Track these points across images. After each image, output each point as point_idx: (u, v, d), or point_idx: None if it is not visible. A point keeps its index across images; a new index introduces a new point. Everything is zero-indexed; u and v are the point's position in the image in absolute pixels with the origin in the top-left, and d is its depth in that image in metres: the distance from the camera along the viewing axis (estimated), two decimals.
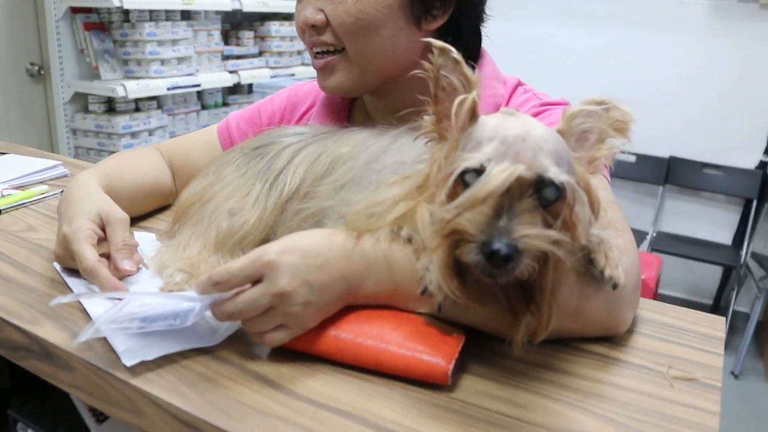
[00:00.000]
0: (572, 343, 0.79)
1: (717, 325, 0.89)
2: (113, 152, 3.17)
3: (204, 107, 3.75)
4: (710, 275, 3.51)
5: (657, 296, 3.26)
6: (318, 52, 1.07)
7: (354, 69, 1.05)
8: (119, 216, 0.92)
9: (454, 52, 0.71)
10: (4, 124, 3.23)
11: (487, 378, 0.72)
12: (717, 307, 3.49)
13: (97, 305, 0.81)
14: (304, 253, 0.71)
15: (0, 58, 3.17)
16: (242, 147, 1.02)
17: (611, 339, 0.81)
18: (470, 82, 0.71)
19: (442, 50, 0.72)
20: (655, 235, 3.42)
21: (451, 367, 0.68)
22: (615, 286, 0.74)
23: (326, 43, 1.05)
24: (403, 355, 0.69)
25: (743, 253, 3.22)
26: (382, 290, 0.75)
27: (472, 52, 1.13)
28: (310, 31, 1.05)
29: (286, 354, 0.73)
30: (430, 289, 0.69)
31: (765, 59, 3.19)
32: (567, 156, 0.68)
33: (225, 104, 3.89)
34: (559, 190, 0.65)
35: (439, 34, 1.06)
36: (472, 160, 0.66)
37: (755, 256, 3.09)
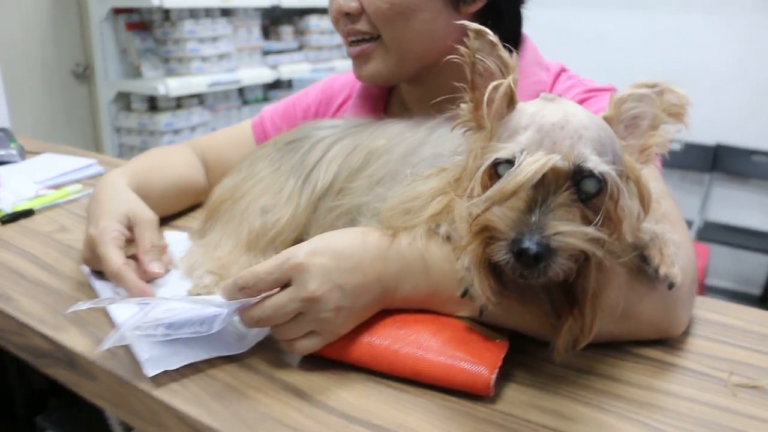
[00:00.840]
0: (623, 347, 0.74)
1: None
2: None
3: (245, 103, 3.76)
4: (759, 265, 3.37)
5: (704, 287, 3.14)
6: (353, 41, 1.03)
7: (391, 56, 1.01)
8: (147, 216, 0.89)
9: (491, 35, 0.66)
10: (51, 125, 3.28)
11: (532, 386, 0.67)
12: (766, 297, 3.36)
13: (122, 310, 0.78)
14: (335, 255, 0.67)
15: (46, 60, 3.23)
16: (275, 141, 0.99)
17: (665, 342, 0.75)
18: (507, 66, 0.66)
19: (478, 33, 0.67)
20: (701, 224, 3.30)
21: (494, 377, 0.63)
22: (671, 286, 0.68)
23: (361, 32, 1.01)
24: (442, 364, 0.65)
25: None
26: (420, 293, 0.71)
27: (513, 37, 1.07)
28: (345, 19, 1.01)
29: (317, 362, 0.69)
30: (471, 292, 0.65)
31: None
32: (612, 144, 0.62)
33: (266, 99, 3.89)
34: (601, 182, 0.59)
35: (478, 17, 1.01)
36: (504, 151, 0.61)
37: None
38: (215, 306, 0.68)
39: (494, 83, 0.65)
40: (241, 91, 3.72)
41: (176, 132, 3.29)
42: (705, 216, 3.37)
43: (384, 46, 1.00)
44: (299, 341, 0.68)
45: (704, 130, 3.22)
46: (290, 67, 3.77)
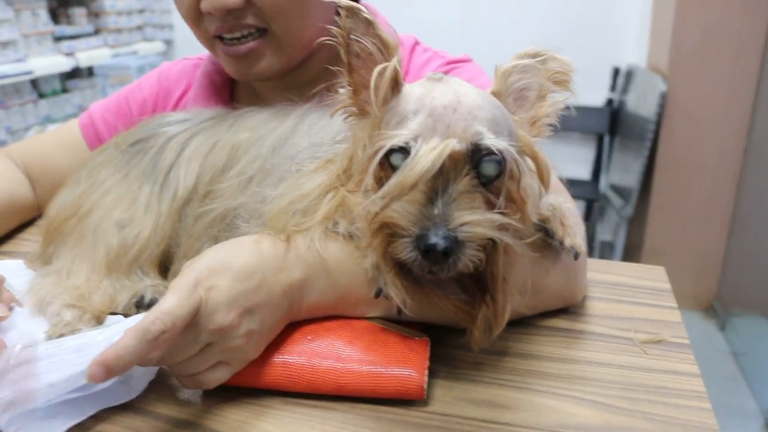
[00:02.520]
0: (532, 321, 0.73)
1: (659, 276, 0.87)
2: None
3: (41, 96, 3.36)
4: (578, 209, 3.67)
5: None
6: (236, 38, 0.90)
7: (283, 49, 0.91)
8: None
9: (365, 12, 0.61)
10: None
11: (459, 380, 0.64)
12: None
13: None
14: (236, 275, 0.59)
15: None
16: (117, 143, 0.86)
17: (568, 310, 0.76)
18: (388, 46, 0.61)
19: (350, 10, 0.61)
20: None
21: (426, 378, 0.59)
22: (576, 256, 0.68)
23: (249, 26, 0.88)
24: (367, 373, 0.59)
25: (601, 185, 3.38)
26: (328, 299, 0.65)
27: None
28: (225, 16, 0.87)
29: (224, 393, 0.61)
30: (386, 291, 0.60)
31: (595, 2, 3.32)
32: (506, 121, 0.60)
33: (65, 90, 3.51)
34: (500, 162, 0.57)
35: None
36: (396, 138, 0.56)
37: (613, 187, 3.24)
38: (99, 348, 0.57)
39: (379, 67, 0.59)
40: (35, 83, 3.33)
41: None
42: None
43: (275, 40, 0.90)
44: (204, 375, 0.59)
45: None
46: (88, 54, 3.42)
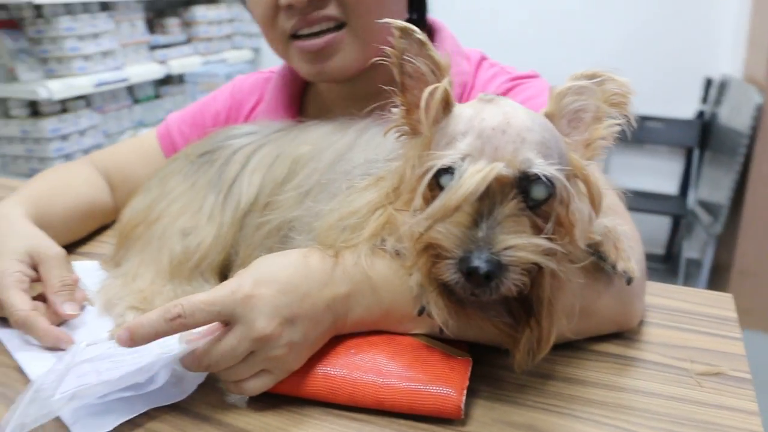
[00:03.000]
0: (582, 345, 0.72)
1: (726, 304, 0.83)
2: (43, 158, 3.00)
3: (136, 101, 3.55)
4: (660, 226, 3.53)
5: None
6: (315, 32, 0.91)
7: (359, 46, 0.91)
8: (53, 252, 0.79)
9: (418, 33, 0.61)
10: None
11: (499, 401, 0.63)
12: (669, 256, 3.52)
13: (36, 362, 0.69)
14: (281, 286, 0.61)
15: None
16: (187, 154, 0.90)
17: (622, 335, 0.74)
18: (440, 66, 0.62)
19: (404, 31, 0.62)
20: None
21: (463, 398, 0.59)
22: (629, 281, 0.66)
23: (330, 18, 0.89)
24: (406, 390, 0.60)
25: (690, 201, 3.25)
26: (373, 315, 0.65)
27: (424, 25, 1.03)
28: (306, 8, 0.88)
29: (268, 400, 0.63)
30: (428, 309, 0.60)
31: (695, 8, 3.18)
32: (557, 144, 0.59)
33: (158, 96, 3.69)
34: (549, 186, 0.56)
35: (415, 1, 0.98)
36: (444, 159, 0.56)
37: (702, 204, 3.11)
38: (152, 353, 0.61)
39: (430, 88, 0.60)
40: (130, 89, 3.51)
41: (64, 138, 3.06)
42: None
43: (352, 34, 0.91)
44: (248, 381, 0.61)
45: None
46: (180, 61, 3.58)
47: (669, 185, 3.44)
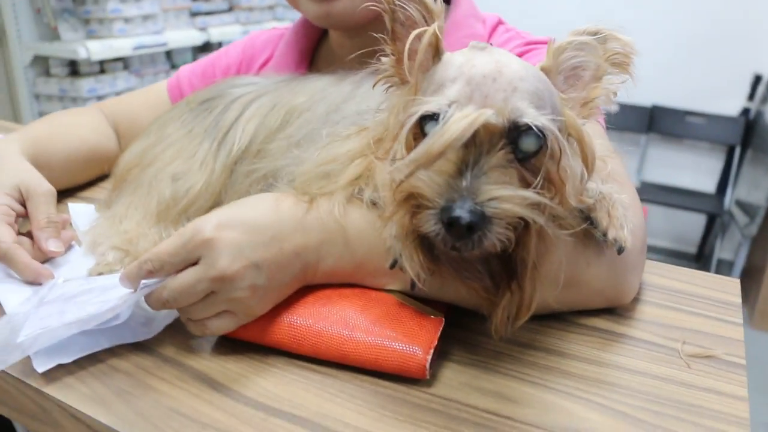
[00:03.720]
0: (569, 317, 0.68)
1: (732, 289, 0.78)
2: None
3: (173, 67, 3.56)
4: (694, 223, 3.43)
5: None
6: None
7: None
8: (42, 188, 0.79)
9: None
10: None
11: (472, 366, 0.60)
12: (701, 255, 3.43)
13: (13, 295, 0.69)
14: (247, 228, 0.59)
15: None
16: (188, 101, 0.89)
17: (614, 310, 0.70)
18: (431, 12, 0.58)
19: None
20: (638, 184, 3.31)
21: (430, 357, 0.56)
22: (621, 250, 0.62)
23: None
24: (371, 345, 0.57)
25: (727, 200, 3.15)
26: (345, 266, 0.63)
27: None
28: None
29: (231, 346, 0.62)
30: (400, 263, 0.58)
31: (744, 3, 3.06)
32: (551, 97, 0.55)
33: None
34: (540, 138, 0.52)
35: None
36: (429, 104, 0.53)
37: (739, 203, 3.01)
38: (119, 293, 0.59)
39: (417, 31, 0.57)
40: (168, 54, 3.53)
41: (100, 98, 3.09)
42: (642, 177, 3.40)
43: None
44: (210, 321, 0.60)
45: (641, 91, 3.19)
46: (220, 29, 3.59)
47: (706, 183, 3.34)
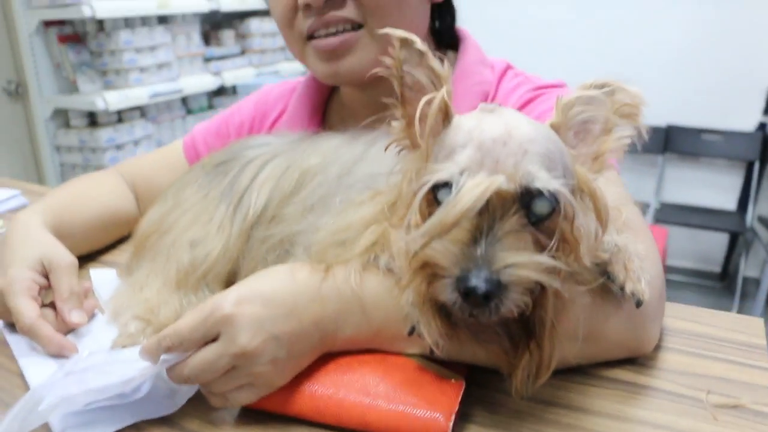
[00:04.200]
0: (590, 370, 0.68)
1: (755, 329, 0.77)
2: (99, 167, 3.09)
3: (189, 112, 3.63)
4: (717, 242, 3.40)
5: (665, 268, 3.14)
6: (331, 32, 0.90)
7: (375, 47, 0.90)
8: (64, 261, 0.80)
9: (418, 43, 0.59)
10: None
11: (494, 427, 0.60)
12: (726, 274, 3.38)
13: (37, 368, 0.70)
14: (265, 301, 0.60)
15: None
16: (204, 164, 0.90)
17: (636, 360, 0.70)
18: (440, 77, 0.59)
19: (404, 42, 0.59)
20: (658, 206, 3.29)
21: (451, 423, 0.56)
22: (639, 304, 0.62)
23: (347, 19, 0.89)
24: (393, 412, 0.58)
25: (748, 217, 3.11)
26: (363, 333, 0.64)
27: (451, 34, 1.02)
28: (323, 8, 0.88)
29: (254, 417, 0.62)
30: (419, 329, 0.58)
31: (757, 19, 3.06)
32: (561, 157, 0.56)
33: (211, 107, 3.76)
34: (552, 201, 0.53)
35: (438, 10, 0.97)
36: (441, 173, 0.54)
37: (761, 220, 2.97)
38: (140, 365, 0.60)
39: (427, 97, 0.57)
40: (184, 100, 3.59)
41: (119, 147, 3.15)
42: (660, 197, 3.38)
43: (370, 36, 0.90)
44: (231, 394, 0.61)
45: (655, 112, 3.20)
46: (233, 73, 3.65)
47: (727, 200, 3.31)
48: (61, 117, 3.21)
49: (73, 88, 3.14)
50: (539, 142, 0.54)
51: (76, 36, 3.17)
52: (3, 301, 0.76)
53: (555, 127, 0.59)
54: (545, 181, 0.52)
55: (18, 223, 0.87)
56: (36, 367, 0.70)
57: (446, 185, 0.54)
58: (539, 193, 0.52)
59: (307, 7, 0.88)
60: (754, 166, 3.13)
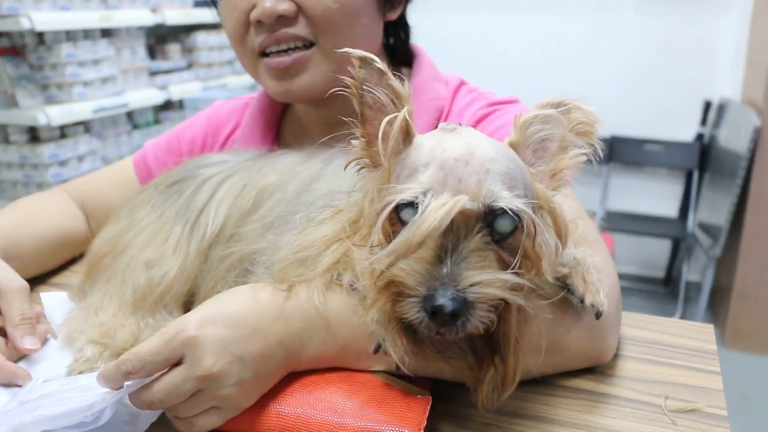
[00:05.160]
0: (552, 380, 0.69)
1: (706, 335, 0.80)
2: (41, 183, 3.00)
3: (135, 127, 3.55)
4: (660, 248, 3.50)
5: None
6: (283, 49, 0.90)
7: (329, 65, 0.90)
8: (14, 285, 0.77)
9: (378, 63, 0.59)
10: None
11: None
12: (669, 279, 3.49)
13: None
14: (229, 322, 0.59)
15: None
16: (157, 183, 0.89)
17: (596, 369, 0.71)
18: (400, 96, 0.59)
19: (363, 61, 0.59)
20: (603, 214, 3.37)
21: None
22: (598, 315, 0.64)
23: (298, 37, 0.88)
24: (362, 429, 0.57)
25: (689, 224, 3.22)
26: (329, 351, 0.63)
27: (406, 50, 1.03)
28: (274, 25, 0.87)
29: None
30: (384, 347, 0.58)
31: (693, 32, 3.19)
32: (522, 175, 0.57)
33: (157, 122, 3.69)
34: (515, 219, 0.54)
35: (390, 27, 0.98)
36: (405, 193, 0.54)
37: (702, 226, 3.08)
38: (100, 390, 0.59)
39: (388, 117, 0.58)
40: (129, 115, 3.52)
41: (62, 164, 3.06)
42: (605, 206, 3.46)
43: (322, 54, 0.90)
44: (197, 418, 0.59)
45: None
46: (180, 87, 3.58)
47: (669, 208, 3.42)
48: (0, 132, 3.10)
49: (11, 102, 3.04)
50: (500, 161, 0.55)
51: (14, 49, 3.07)
52: None
53: (514, 146, 0.60)
54: (508, 200, 0.53)
55: None
56: None
57: (410, 205, 0.54)
58: (502, 212, 0.53)
59: (259, 23, 0.88)
60: (694, 174, 3.24)
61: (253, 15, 0.88)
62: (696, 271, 3.35)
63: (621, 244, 3.44)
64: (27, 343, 0.74)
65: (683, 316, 3.06)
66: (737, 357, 2.75)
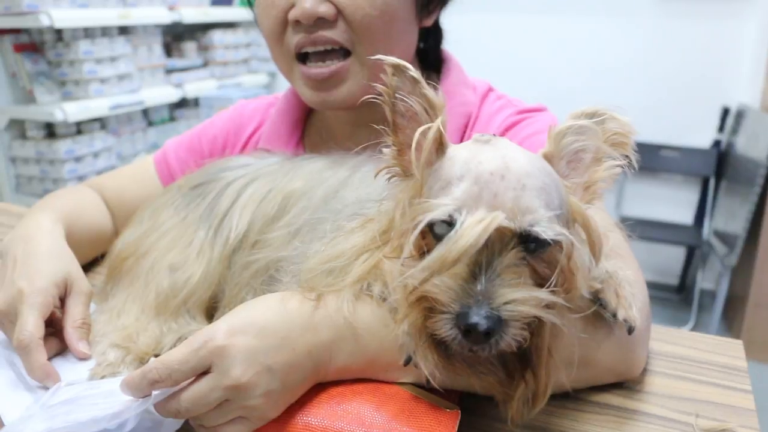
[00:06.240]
0: (581, 395, 0.68)
1: (736, 352, 0.79)
2: (57, 179, 3.01)
3: (150, 124, 3.57)
4: (674, 256, 3.47)
5: None
6: (318, 52, 0.88)
7: (365, 74, 0.89)
8: (85, 288, 0.78)
9: (411, 70, 0.58)
10: None
11: None
12: (683, 286, 3.46)
13: (11, 399, 0.67)
14: (258, 331, 0.58)
15: None
16: (180, 186, 0.88)
17: (624, 384, 0.70)
18: (433, 105, 0.58)
19: (397, 68, 0.58)
20: (618, 220, 3.31)
21: None
22: (631, 330, 0.63)
23: (335, 42, 0.87)
24: None
25: (705, 231, 3.19)
26: (357, 362, 0.62)
27: (437, 56, 1.02)
28: (313, 27, 0.86)
29: None
30: (415, 360, 0.57)
31: (712, 38, 3.16)
32: (557, 190, 0.56)
33: (172, 119, 3.71)
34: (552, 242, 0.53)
35: (424, 33, 0.96)
36: (439, 210, 0.53)
37: (717, 234, 3.05)
38: (124, 397, 0.58)
39: (422, 128, 0.57)
40: (145, 112, 3.53)
41: (78, 159, 3.08)
42: (620, 212, 3.44)
43: (359, 63, 0.89)
44: (223, 428, 0.59)
45: None
46: (196, 85, 3.60)
47: (684, 215, 3.39)
48: (17, 128, 3.12)
49: (29, 98, 3.05)
50: (536, 175, 0.54)
51: (32, 45, 3.09)
52: (15, 303, 0.72)
53: (548, 157, 0.59)
54: (546, 223, 0.52)
55: (41, 227, 0.83)
56: (9, 401, 0.67)
57: (444, 222, 0.54)
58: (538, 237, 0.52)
59: (297, 23, 0.87)
60: (710, 181, 3.21)
61: (292, 14, 0.86)
62: (710, 279, 3.32)
63: (635, 250, 3.39)
64: (82, 346, 0.73)
65: (697, 325, 3.03)
66: (752, 367, 2.71)
